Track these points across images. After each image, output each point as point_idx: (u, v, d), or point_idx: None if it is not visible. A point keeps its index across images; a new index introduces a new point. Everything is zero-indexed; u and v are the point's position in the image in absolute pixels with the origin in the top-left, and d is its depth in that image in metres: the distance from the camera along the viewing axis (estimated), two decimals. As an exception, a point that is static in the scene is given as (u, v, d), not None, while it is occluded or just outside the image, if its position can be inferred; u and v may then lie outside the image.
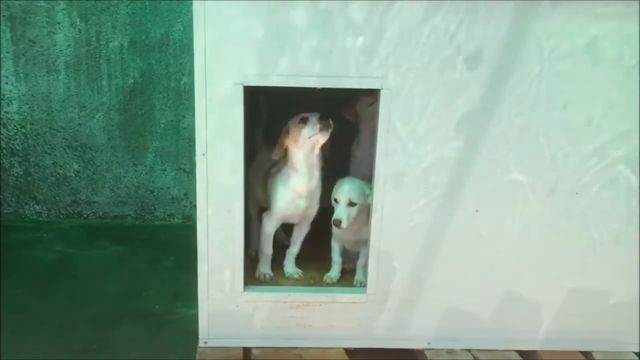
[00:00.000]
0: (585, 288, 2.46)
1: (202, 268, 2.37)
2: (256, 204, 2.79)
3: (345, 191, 2.50)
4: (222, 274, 2.38)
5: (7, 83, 3.52)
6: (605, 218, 2.38)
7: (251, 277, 2.49)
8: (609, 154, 2.30)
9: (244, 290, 2.41)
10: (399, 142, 2.25)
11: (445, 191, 2.32)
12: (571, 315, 2.49)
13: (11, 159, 3.67)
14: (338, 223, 2.47)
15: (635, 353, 2.55)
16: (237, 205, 2.29)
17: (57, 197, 3.76)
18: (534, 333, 2.51)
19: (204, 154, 2.22)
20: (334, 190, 2.55)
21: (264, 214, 2.64)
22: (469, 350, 2.51)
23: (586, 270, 2.44)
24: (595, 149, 2.29)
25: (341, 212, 2.49)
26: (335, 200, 2.52)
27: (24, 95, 3.55)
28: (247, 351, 2.47)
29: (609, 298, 2.47)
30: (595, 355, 2.52)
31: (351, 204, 2.47)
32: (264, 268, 2.64)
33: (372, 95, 2.77)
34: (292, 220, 2.64)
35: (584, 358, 2.51)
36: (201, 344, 2.46)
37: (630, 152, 2.30)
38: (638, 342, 2.54)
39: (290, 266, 2.69)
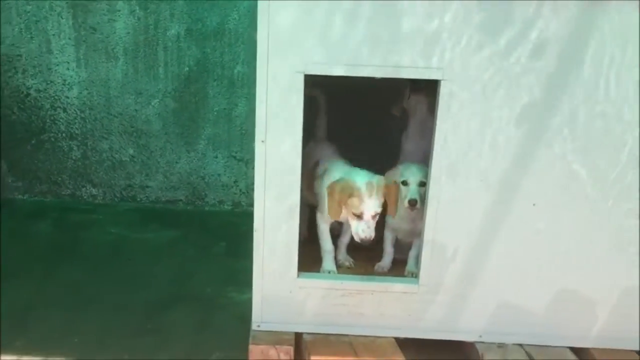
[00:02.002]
0: (644, 287, 2.41)
1: (258, 253, 2.40)
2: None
3: (415, 172, 2.52)
4: (277, 260, 2.41)
5: (68, 69, 3.63)
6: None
7: (305, 264, 2.51)
8: (675, 150, 2.25)
9: (298, 276, 2.44)
10: (457, 134, 2.24)
11: (502, 184, 2.29)
12: (627, 314, 2.44)
13: (70, 142, 3.78)
14: (415, 203, 2.48)
15: (693, 355, 2.50)
16: (294, 192, 2.32)
17: (112, 181, 3.87)
18: (588, 330, 2.47)
19: (263, 141, 2.25)
20: (399, 174, 2.56)
21: (317, 213, 2.65)
22: (520, 345, 2.49)
23: (645, 269, 2.39)
24: (660, 145, 2.24)
25: (415, 192, 2.50)
26: (404, 183, 2.53)
27: (83, 81, 3.66)
28: (298, 336, 2.51)
29: (668, 298, 2.42)
30: (652, 356, 2.47)
31: (421, 184, 2.49)
32: (328, 265, 2.61)
33: (408, 87, 2.79)
34: (343, 220, 2.62)
35: (639, 358, 2.47)
36: (254, 327, 2.50)
37: (698, 149, 2.25)
38: (697, 344, 2.49)
39: (341, 254, 2.71)
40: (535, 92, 2.19)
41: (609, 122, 2.22)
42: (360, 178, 2.39)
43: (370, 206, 2.35)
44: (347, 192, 2.35)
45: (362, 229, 2.35)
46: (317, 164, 2.69)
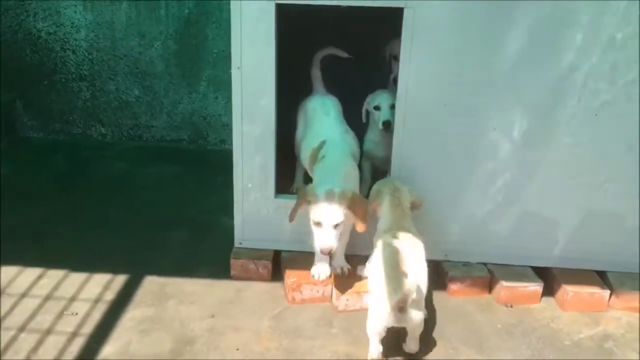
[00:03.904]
0: (603, 210, 2.52)
1: (238, 175, 2.59)
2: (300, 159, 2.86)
3: (385, 97, 2.71)
4: (256, 182, 2.59)
5: (75, 12, 3.81)
6: (629, 143, 2.42)
7: (283, 187, 2.68)
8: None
9: (275, 197, 2.62)
10: (421, 63, 2.36)
11: (466, 110, 2.42)
12: (587, 236, 2.56)
13: (80, 83, 3.99)
14: (389, 124, 2.65)
15: (650, 275, 2.61)
16: (269, 116, 2.48)
17: (120, 120, 4.07)
18: (549, 251, 2.61)
19: (238, 68, 2.41)
20: (371, 100, 2.74)
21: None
22: (484, 264, 2.65)
23: (605, 193, 2.50)
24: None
25: (387, 113, 2.68)
26: (376, 108, 2.72)
27: (90, 24, 3.83)
28: (277, 253, 2.71)
29: (626, 221, 2.53)
30: (610, 276, 2.59)
31: (392, 106, 2.62)
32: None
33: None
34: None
35: (598, 278, 2.59)
36: (236, 244, 2.71)
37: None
38: (654, 265, 2.60)
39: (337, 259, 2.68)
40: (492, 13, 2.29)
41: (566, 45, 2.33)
42: (322, 187, 2.26)
43: (329, 216, 2.22)
44: (308, 198, 2.27)
45: (319, 238, 2.26)
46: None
